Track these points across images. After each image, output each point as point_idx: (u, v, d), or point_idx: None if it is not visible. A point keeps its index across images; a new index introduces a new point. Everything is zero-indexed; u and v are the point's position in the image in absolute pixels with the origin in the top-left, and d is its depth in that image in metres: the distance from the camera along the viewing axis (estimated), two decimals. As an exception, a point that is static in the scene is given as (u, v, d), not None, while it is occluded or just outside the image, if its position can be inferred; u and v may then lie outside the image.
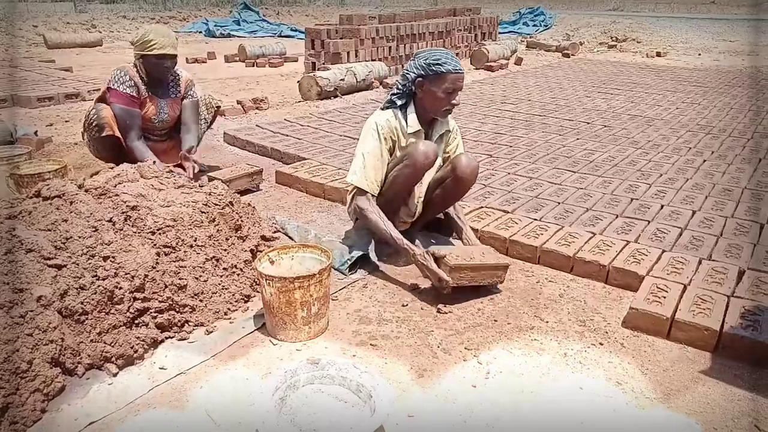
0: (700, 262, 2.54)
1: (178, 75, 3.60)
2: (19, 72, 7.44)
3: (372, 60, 8.01)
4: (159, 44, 3.31)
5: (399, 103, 2.58)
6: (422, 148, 2.47)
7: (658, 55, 11.17)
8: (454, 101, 2.53)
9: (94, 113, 3.35)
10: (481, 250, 2.47)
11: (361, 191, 2.55)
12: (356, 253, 2.63)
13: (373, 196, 2.56)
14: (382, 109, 2.63)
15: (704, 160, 4.14)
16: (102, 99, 3.43)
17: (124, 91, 3.35)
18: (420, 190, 2.71)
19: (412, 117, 2.58)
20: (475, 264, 2.34)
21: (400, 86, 2.59)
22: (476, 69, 9.14)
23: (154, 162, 3.02)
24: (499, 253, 2.75)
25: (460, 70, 2.48)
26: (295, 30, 14.86)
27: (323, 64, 7.71)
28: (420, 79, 2.49)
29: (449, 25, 9.78)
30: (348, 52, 7.86)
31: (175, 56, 3.43)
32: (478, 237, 2.88)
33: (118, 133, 3.38)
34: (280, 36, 14.42)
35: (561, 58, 11.01)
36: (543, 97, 6.63)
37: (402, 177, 2.53)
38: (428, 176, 2.70)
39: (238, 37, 14.09)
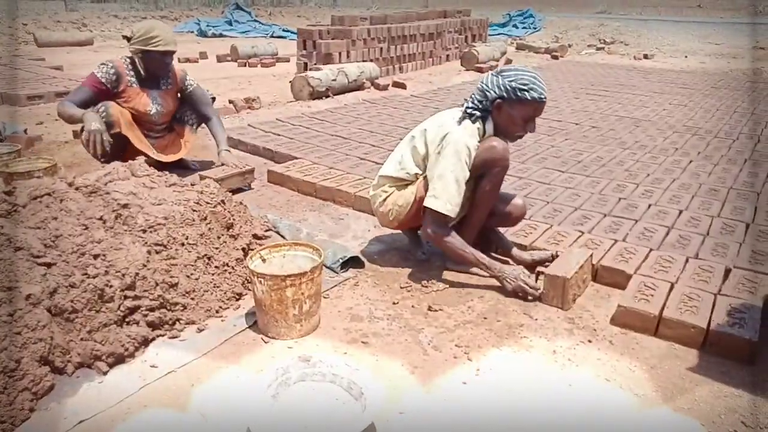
0: (687, 261, 2.57)
1: (170, 67, 3.66)
2: (9, 70, 7.37)
3: (363, 61, 8.02)
4: (164, 41, 3.40)
5: (480, 115, 2.41)
6: (500, 145, 2.36)
7: (646, 57, 11.27)
8: (528, 129, 2.41)
9: (102, 110, 3.38)
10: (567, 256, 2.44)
11: (439, 216, 2.36)
12: (348, 253, 2.63)
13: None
14: (462, 119, 2.42)
15: (691, 161, 4.19)
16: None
17: (97, 75, 3.44)
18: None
19: (490, 133, 2.44)
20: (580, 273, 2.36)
21: (477, 101, 2.40)
22: (466, 70, 9.18)
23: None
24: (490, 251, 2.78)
25: (546, 98, 2.33)
26: (287, 31, 14.83)
27: (315, 64, 7.71)
28: (500, 100, 2.33)
29: (440, 26, 9.82)
30: (340, 53, 7.87)
31: (175, 52, 3.54)
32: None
33: (125, 132, 3.42)
34: (272, 36, 14.39)
35: (550, 59, 11.08)
36: (533, 98, 6.66)
37: (495, 184, 2.42)
38: None
39: (230, 37, 14.04)
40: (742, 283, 2.39)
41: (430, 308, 2.32)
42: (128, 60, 3.54)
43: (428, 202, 2.38)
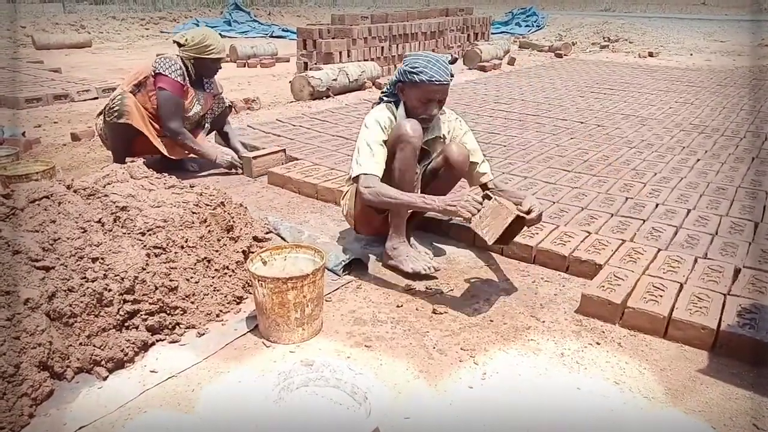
0: (696, 261, 2.53)
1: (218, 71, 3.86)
2: (7, 73, 7.36)
3: (364, 60, 7.98)
4: (217, 49, 3.60)
5: (386, 100, 2.57)
6: (407, 124, 2.40)
7: (650, 55, 11.22)
8: (431, 111, 2.46)
9: (118, 99, 3.47)
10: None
11: (367, 179, 2.41)
12: (351, 255, 2.60)
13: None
14: (376, 104, 2.62)
15: (698, 159, 4.14)
16: (140, 84, 3.54)
17: (175, 78, 3.51)
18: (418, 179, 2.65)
19: (401, 117, 2.52)
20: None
21: (388, 86, 2.58)
22: (469, 69, 9.13)
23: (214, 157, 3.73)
24: (495, 253, 2.75)
25: (440, 80, 2.38)
26: (287, 30, 14.81)
27: (315, 64, 7.67)
28: (400, 83, 2.47)
29: (442, 25, 9.78)
30: (340, 52, 7.83)
31: (224, 59, 3.78)
32: (473, 237, 2.87)
33: (137, 125, 3.47)
34: (272, 36, 14.37)
35: (553, 58, 11.03)
36: (536, 96, 6.63)
37: (402, 160, 2.42)
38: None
39: (229, 37, 14.01)
40: (752, 283, 2.35)
41: (435, 311, 2.28)
42: (182, 61, 3.63)
43: (352, 173, 2.51)
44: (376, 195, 2.36)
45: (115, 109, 3.46)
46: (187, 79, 3.62)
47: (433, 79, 2.37)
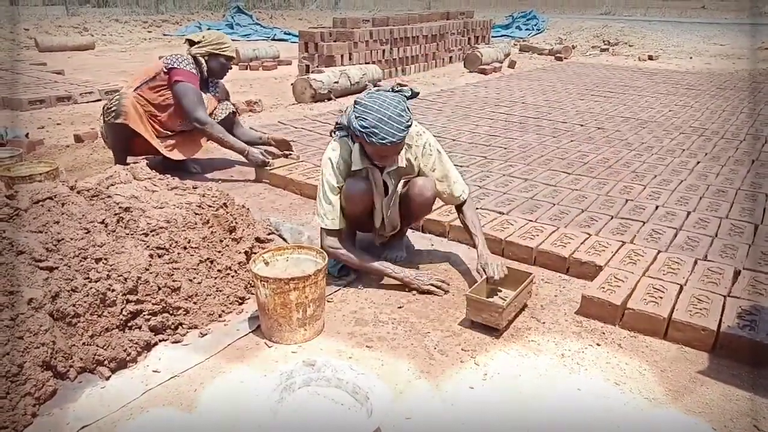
0: (696, 263, 2.54)
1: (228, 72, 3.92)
2: (10, 75, 7.38)
3: (366, 63, 8.00)
4: (231, 48, 3.72)
5: (341, 134, 2.44)
6: (350, 191, 2.37)
7: (650, 58, 11.23)
8: (385, 163, 2.34)
9: (116, 99, 3.49)
10: (502, 268, 2.37)
11: (326, 230, 2.42)
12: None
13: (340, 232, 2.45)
14: (334, 135, 2.49)
15: (698, 162, 4.15)
16: (152, 79, 3.56)
17: (192, 72, 3.57)
18: (387, 204, 2.51)
19: (356, 154, 2.37)
20: (515, 294, 2.22)
21: (341, 124, 2.43)
22: (470, 72, 9.15)
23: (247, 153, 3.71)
24: (497, 255, 2.75)
25: (393, 141, 2.18)
26: (289, 34, 14.84)
27: (317, 67, 7.69)
28: (353, 134, 2.29)
29: (443, 28, 9.80)
30: (342, 55, 7.85)
31: (233, 59, 3.84)
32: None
33: (134, 125, 3.48)
34: (274, 39, 14.40)
35: (554, 61, 11.05)
36: (537, 99, 6.64)
37: (352, 215, 2.46)
38: (389, 199, 2.52)
39: (231, 40, 14.04)
40: (752, 284, 2.36)
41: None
42: (193, 58, 3.66)
43: (316, 219, 2.49)
44: (338, 257, 2.46)
45: (112, 109, 3.47)
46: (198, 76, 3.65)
47: (385, 141, 2.18)
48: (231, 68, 3.84)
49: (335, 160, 2.39)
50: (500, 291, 2.38)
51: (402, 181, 2.53)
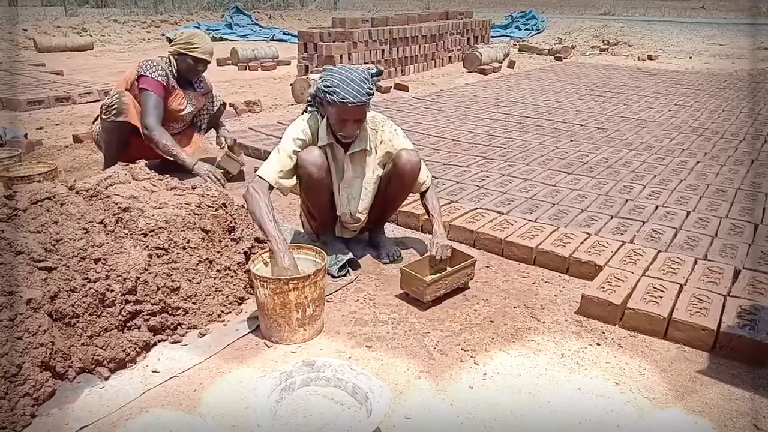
0: (695, 262, 2.54)
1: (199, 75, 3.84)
2: (9, 75, 7.37)
3: (365, 63, 7.99)
4: (201, 49, 3.57)
5: (310, 111, 2.49)
6: (305, 157, 2.37)
7: (650, 58, 11.23)
8: (346, 130, 2.35)
9: (116, 98, 3.47)
10: (446, 250, 2.50)
11: (259, 177, 2.39)
12: (345, 256, 2.61)
13: (271, 188, 2.40)
14: (304, 112, 2.54)
15: (697, 162, 4.15)
16: (130, 87, 3.55)
17: (156, 78, 3.50)
18: (349, 192, 2.58)
19: (323, 130, 2.43)
20: (447, 272, 2.36)
21: (309, 97, 2.48)
22: (469, 72, 9.15)
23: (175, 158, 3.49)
24: (496, 254, 2.76)
25: (353, 102, 2.23)
26: (288, 34, 14.84)
27: (316, 67, 7.69)
28: (318, 98, 2.36)
29: (442, 28, 9.80)
30: (341, 55, 7.85)
31: (208, 62, 3.68)
32: (473, 238, 2.88)
33: (135, 122, 3.47)
34: (273, 40, 14.40)
35: (553, 61, 11.05)
36: (536, 99, 6.64)
37: (307, 188, 2.49)
38: (354, 188, 2.58)
39: (230, 40, 14.05)
40: (752, 284, 2.36)
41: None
42: (167, 60, 3.63)
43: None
44: (248, 203, 2.34)
45: (113, 107, 3.45)
46: (173, 79, 3.61)
47: (346, 101, 2.22)
48: (201, 70, 3.68)
49: (297, 132, 2.44)
50: (445, 270, 2.45)
51: (380, 171, 2.60)
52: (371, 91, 2.30)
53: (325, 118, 2.43)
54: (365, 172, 2.57)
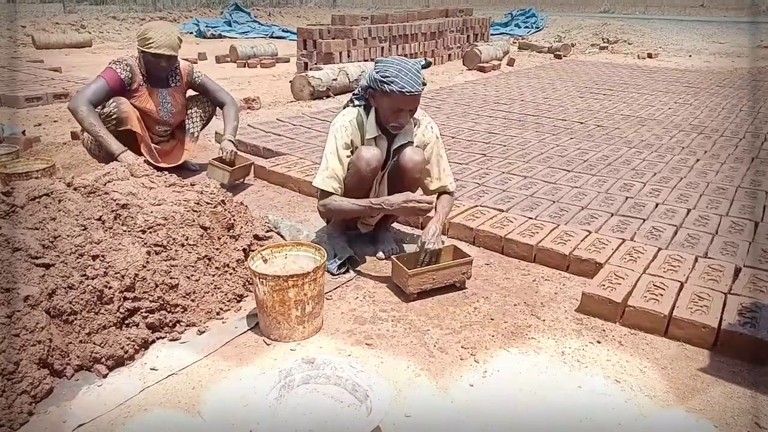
0: (696, 260, 2.53)
1: (177, 64, 3.61)
2: (7, 72, 7.35)
3: (364, 60, 7.98)
4: (156, 43, 3.33)
5: (357, 103, 2.53)
6: (364, 155, 2.43)
7: (650, 56, 11.21)
8: (401, 121, 2.41)
9: (114, 106, 3.36)
10: (443, 250, 2.50)
11: (325, 193, 2.50)
12: (347, 254, 2.60)
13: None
14: (346, 106, 2.59)
15: (698, 160, 4.14)
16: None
17: (115, 70, 3.39)
18: (375, 189, 2.62)
19: (371, 122, 2.48)
20: (435, 267, 2.36)
21: (360, 88, 2.52)
22: (468, 70, 9.13)
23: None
24: (496, 252, 2.75)
25: (411, 91, 2.30)
26: (287, 31, 14.79)
27: (315, 64, 7.67)
28: (371, 89, 2.41)
29: (441, 26, 9.78)
30: (340, 53, 7.84)
31: (172, 57, 3.45)
32: (473, 236, 2.87)
33: (137, 129, 3.41)
34: (272, 37, 14.36)
35: (553, 59, 11.03)
36: (536, 97, 6.63)
37: (352, 183, 2.50)
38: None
39: (229, 38, 14.01)
40: (752, 282, 2.35)
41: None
42: (138, 59, 3.51)
43: (314, 182, 2.53)
44: (328, 212, 2.53)
45: (112, 116, 3.35)
46: (141, 77, 3.47)
47: (404, 90, 2.29)
48: (165, 66, 3.46)
49: (344, 128, 2.47)
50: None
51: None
52: (424, 83, 2.40)
53: (373, 111, 2.47)
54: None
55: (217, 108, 3.92)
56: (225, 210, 2.51)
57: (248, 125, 5.00)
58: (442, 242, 2.52)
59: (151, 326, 2.02)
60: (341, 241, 2.68)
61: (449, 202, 2.69)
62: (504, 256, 2.76)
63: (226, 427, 1.65)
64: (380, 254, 2.72)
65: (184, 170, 3.79)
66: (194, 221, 2.32)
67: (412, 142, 2.55)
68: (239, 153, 3.75)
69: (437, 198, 2.66)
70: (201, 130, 3.93)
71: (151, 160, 3.46)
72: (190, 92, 3.84)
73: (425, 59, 2.51)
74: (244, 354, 1.99)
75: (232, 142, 3.63)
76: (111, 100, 3.40)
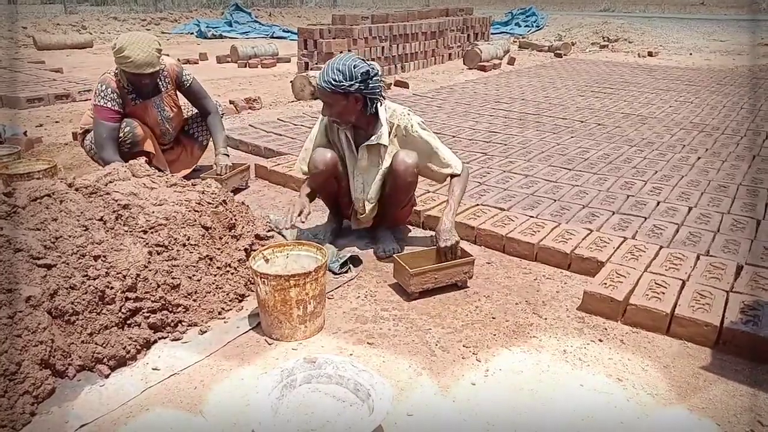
0: (698, 258, 2.53)
1: (162, 65, 3.42)
2: (9, 73, 7.36)
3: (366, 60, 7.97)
4: (135, 63, 3.11)
5: None
6: (314, 156, 2.63)
7: (650, 54, 11.20)
8: (322, 111, 2.56)
9: (128, 131, 3.26)
10: (451, 239, 2.49)
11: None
12: (348, 253, 2.60)
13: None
14: None
15: (699, 158, 4.14)
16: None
17: (106, 105, 3.22)
18: (365, 178, 2.66)
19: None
20: (437, 266, 2.36)
21: None
22: (469, 69, 9.13)
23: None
24: (497, 251, 2.75)
25: (319, 83, 2.43)
26: (288, 31, 14.80)
27: (316, 64, 7.67)
28: None
29: (442, 25, 9.77)
30: (341, 52, 7.83)
31: (154, 74, 3.25)
32: (474, 235, 2.87)
33: (151, 149, 3.35)
34: (273, 37, 14.36)
35: (553, 58, 11.02)
36: (536, 96, 6.62)
37: (313, 183, 2.69)
38: (370, 175, 2.66)
39: (230, 38, 14.01)
40: (754, 280, 2.35)
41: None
42: (119, 74, 3.28)
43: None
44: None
45: (127, 141, 3.27)
46: (128, 96, 3.30)
47: (319, 81, 2.43)
48: (147, 83, 3.26)
49: (320, 120, 2.72)
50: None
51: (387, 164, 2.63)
52: (335, 82, 2.38)
53: None
54: (381, 162, 2.62)
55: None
56: (226, 210, 2.51)
57: (249, 125, 5.01)
58: (456, 235, 2.48)
59: (153, 326, 2.02)
60: (354, 241, 2.73)
61: (459, 185, 2.63)
62: (505, 254, 2.76)
63: (228, 427, 1.65)
64: (380, 253, 2.72)
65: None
66: (196, 221, 2.32)
67: (383, 145, 2.58)
68: (237, 153, 3.72)
69: (449, 183, 2.69)
70: (209, 138, 3.84)
71: (165, 168, 3.44)
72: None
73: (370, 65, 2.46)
74: (246, 353, 1.99)
75: (227, 155, 3.58)
76: (124, 124, 3.28)
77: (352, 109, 2.47)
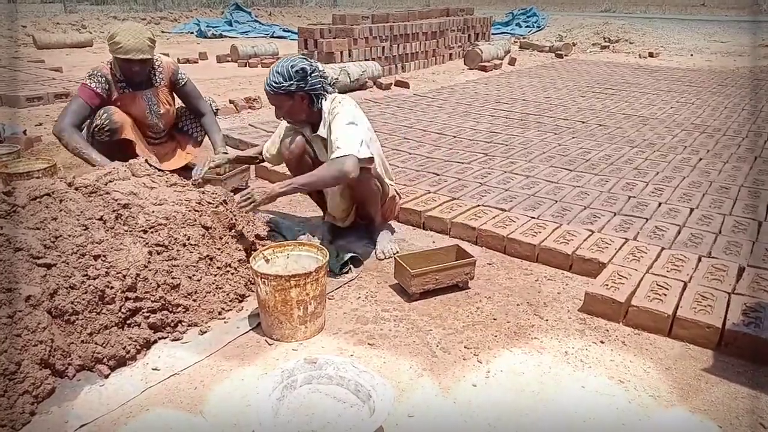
0: (699, 260, 2.52)
1: (158, 61, 3.44)
2: (8, 72, 7.35)
3: (365, 60, 7.97)
4: (124, 48, 3.12)
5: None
6: (284, 141, 2.72)
7: (651, 55, 11.20)
8: (278, 116, 2.62)
9: (105, 117, 3.20)
10: (446, 250, 2.52)
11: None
12: (349, 254, 2.60)
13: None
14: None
15: (700, 159, 4.13)
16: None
17: (90, 85, 3.21)
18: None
19: None
20: (438, 267, 2.35)
21: None
22: (470, 69, 9.12)
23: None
24: (498, 251, 2.74)
25: (265, 89, 2.49)
26: (288, 31, 14.79)
27: (316, 63, 7.66)
28: None
29: (442, 25, 9.77)
30: (341, 52, 7.82)
31: (144, 61, 3.23)
32: (476, 236, 2.86)
33: (131, 137, 3.28)
34: (273, 37, 14.35)
35: (554, 58, 11.02)
36: (537, 96, 6.62)
37: (289, 165, 2.76)
38: None
39: (230, 37, 14.00)
40: (756, 281, 2.34)
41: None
42: (113, 64, 3.30)
43: None
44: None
45: (105, 128, 3.20)
46: (120, 84, 3.29)
47: (264, 87, 2.49)
48: (137, 70, 3.25)
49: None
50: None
51: None
52: (276, 84, 2.45)
53: None
54: (329, 154, 2.54)
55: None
56: (227, 210, 2.50)
57: (249, 125, 5.00)
58: (261, 201, 2.39)
59: (153, 326, 2.01)
60: (354, 242, 2.74)
61: (324, 168, 2.44)
62: (506, 255, 2.75)
63: (228, 428, 1.64)
64: (379, 254, 2.71)
65: (186, 171, 3.78)
66: (196, 221, 2.32)
67: (319, 136, 2.63)
68: (237, 153, 3.68)
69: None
70: (204, 135, 3.83)
71: (152, 163, 3.39)
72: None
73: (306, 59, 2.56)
74: (246, 354, 1.99)
75: (226, 154, 3.49)
76: (101, 111, 3.24)
77: (299, 108, 2.53)
